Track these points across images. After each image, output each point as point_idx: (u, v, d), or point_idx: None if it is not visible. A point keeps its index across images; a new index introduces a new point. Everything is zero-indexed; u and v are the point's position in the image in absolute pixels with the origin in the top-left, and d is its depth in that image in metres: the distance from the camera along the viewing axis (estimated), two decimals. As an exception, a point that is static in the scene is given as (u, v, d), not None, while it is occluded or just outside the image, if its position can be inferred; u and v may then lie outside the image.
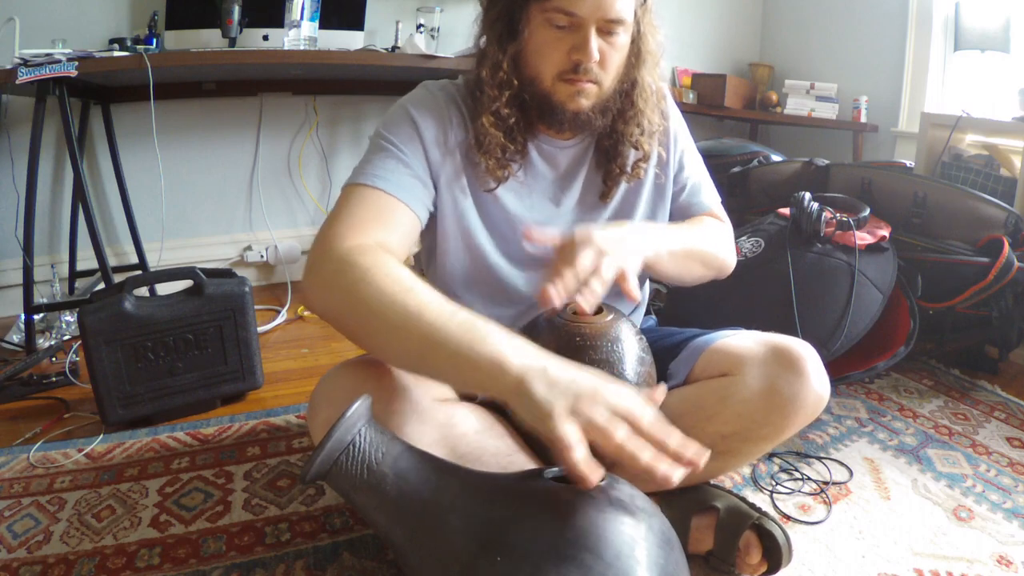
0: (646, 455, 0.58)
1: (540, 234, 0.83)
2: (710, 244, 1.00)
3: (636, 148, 0.96)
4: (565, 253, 0.78)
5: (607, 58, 0.86)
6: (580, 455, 0.57)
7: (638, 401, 0.62)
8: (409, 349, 0.69)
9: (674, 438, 0.60)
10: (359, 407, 0.65)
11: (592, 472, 0.58)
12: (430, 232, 0.96)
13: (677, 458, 0.59)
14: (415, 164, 0.88)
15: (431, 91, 0.94)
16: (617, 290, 1.01)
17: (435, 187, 0.91)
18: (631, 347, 0.82)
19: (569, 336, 0.79)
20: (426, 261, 1.04)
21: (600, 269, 0.77)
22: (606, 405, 0.60)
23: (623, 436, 0.58)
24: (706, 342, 0.95)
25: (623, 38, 0.87)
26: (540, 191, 0.97)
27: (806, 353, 0.86)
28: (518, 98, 0.89)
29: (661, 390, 0.67)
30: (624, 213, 1.00)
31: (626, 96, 0.93)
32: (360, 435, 0.64)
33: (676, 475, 0.58)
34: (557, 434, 0.58)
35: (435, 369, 0.69)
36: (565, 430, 0.58)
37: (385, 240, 0.80)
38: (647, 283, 1.14)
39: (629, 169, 0.97)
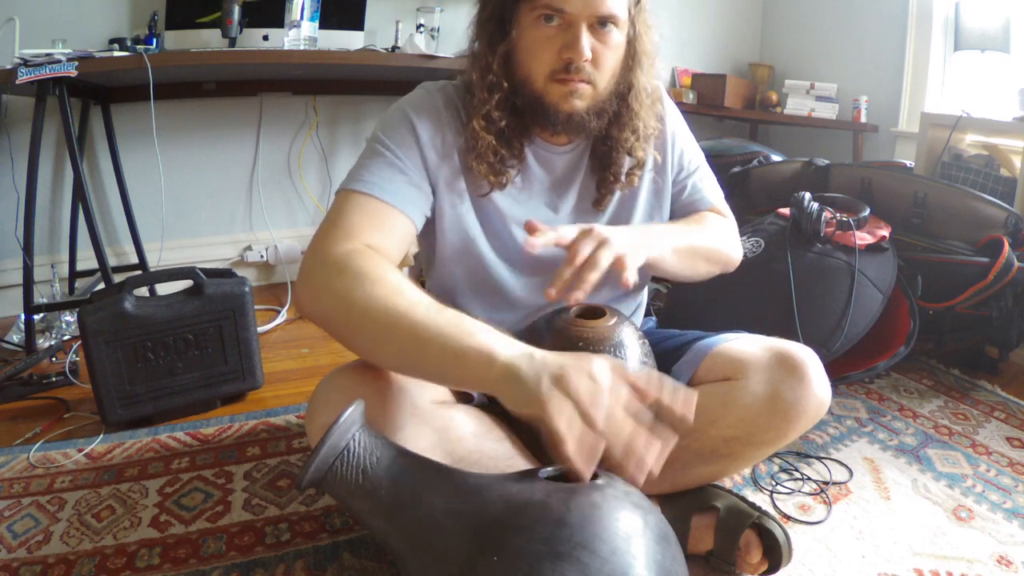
0: (627, 428, 0.60)
1: (540, 232, 0.82)
2: (714, 240, 1.00)
3: (631, 155, 0.94)
4: (571, 249, 0.79)
5: (600, 57, 0.84)
6: (572, 448, 0.59)
7: (620, 365, 0.64)
8: (399, 349, 0.70)
9: (666, 392, 0.63)
10: (352, 412, 0.65)
11: (586, 463, 0.59)
12: (429, 236, 0.95)
13: (670, 412, 0.62)
14: (411, 170, 0.87)
15: (430, 92, 0.93)
16: (618, 294, 1.02)
17: (433, 191, 0.90)
18: (634, 352, 0.82)
19: (571, 341, 0.79)
20: (426, 266, 1.03)
21: (597, 258, 0.77)
22: (590, 375, 0.62)
23: (607, 409, 0.60)
24: (709, 345, 0.94)
25: (617, 36, 0.85)
26: (537, 196, 0.96)
27: (809, 359, 0.86)
28: (509, 101, 0.88)
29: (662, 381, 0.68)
30: (621, 219, 1.00)
31: (622, 99, 0.91)
32: (354, 440, 0.64)
33: (650, 455, 0.60)
34: (548, 420, 0.59)
35: (425, 367, 0.70)
36: (556, 417, 0.59)
37: (378, 243, 0.80)
38: (647, 285, 1.14)
39: (623, 177, 0.95)
